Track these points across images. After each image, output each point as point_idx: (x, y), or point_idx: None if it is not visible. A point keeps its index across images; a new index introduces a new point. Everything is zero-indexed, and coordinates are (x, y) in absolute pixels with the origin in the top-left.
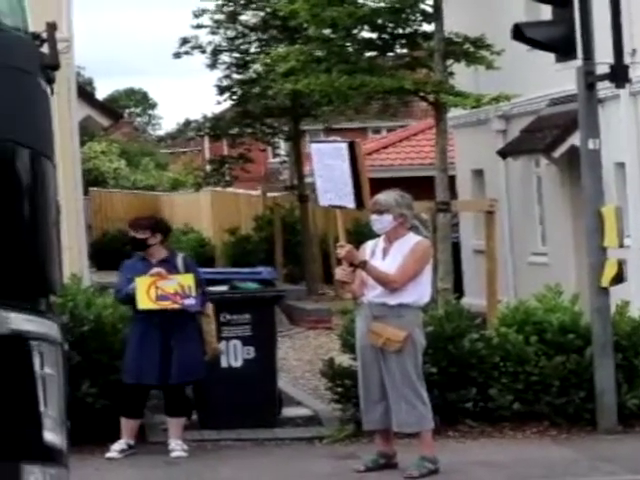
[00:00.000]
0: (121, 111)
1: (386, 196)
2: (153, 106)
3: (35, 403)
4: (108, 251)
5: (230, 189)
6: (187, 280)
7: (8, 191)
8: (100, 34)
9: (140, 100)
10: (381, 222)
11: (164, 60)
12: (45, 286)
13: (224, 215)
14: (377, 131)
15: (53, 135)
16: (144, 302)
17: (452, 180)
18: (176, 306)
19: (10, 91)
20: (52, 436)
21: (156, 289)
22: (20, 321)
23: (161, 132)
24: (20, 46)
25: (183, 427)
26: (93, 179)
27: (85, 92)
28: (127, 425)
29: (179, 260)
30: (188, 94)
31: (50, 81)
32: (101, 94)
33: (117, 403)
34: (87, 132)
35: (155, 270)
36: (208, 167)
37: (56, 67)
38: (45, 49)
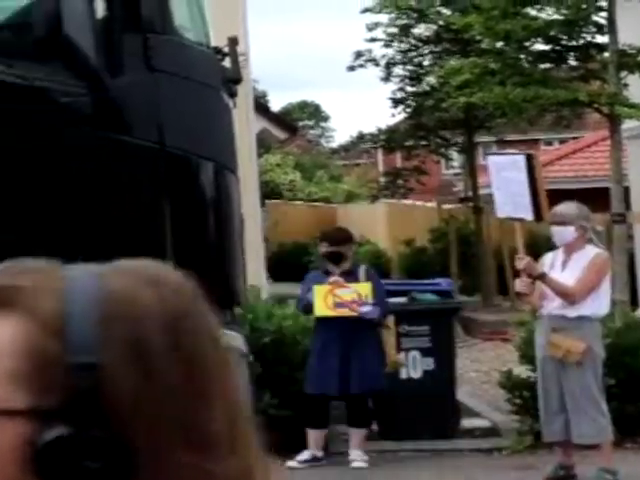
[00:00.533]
0: (295, 124)
1: (566, 208)
2: (326, 119)
3: None
4: (284, 263)
5: (405, 201)
6: (364, 288)
7: (193, 204)
8: (272, 47)
9: (313, 113)
10: (562, 234)
11: (336, 73)
12: (230, 298)
13: (399, 227)
14: (549, 143)
15: (236, 148)
16: (321, 309)
17: (626, 191)
18: (353, 314)
19: (194, 105)
20: None
21: (333, 297)
22: None
23: (334, 144)
24: (203, 61)
25: (364, 438)
26: (269, 191)
27: (261, 105)
28: (313, 436)
29: (361, 272)
30: (360, 106)
31: (232, 95)
32: (275, 107)
33: (300, 414)
34: (263, 145)
35: (333, 278)
36: (382, 179)
37: (238, 81)
38: (227, 63)
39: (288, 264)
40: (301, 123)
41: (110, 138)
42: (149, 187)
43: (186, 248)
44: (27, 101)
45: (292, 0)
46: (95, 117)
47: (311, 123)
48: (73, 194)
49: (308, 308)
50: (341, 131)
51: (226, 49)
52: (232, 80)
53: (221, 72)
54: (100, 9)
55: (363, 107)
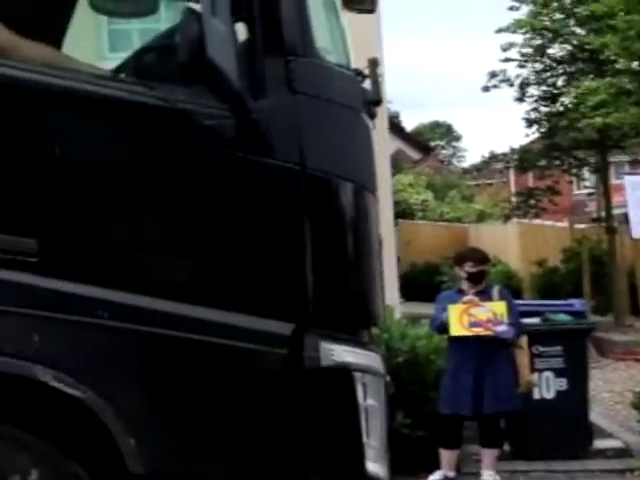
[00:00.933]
0: (428, 144)
1: None
2: (458, 138)
3: (358, 434)
4: (416, 283)
5: (537, 221)
6: (499, 308)
7: (334, 225)
8: (404, 66)
9: (445, 133)
10: None
11: (468, 92)
12: (368, 318)
13: (531, 247)
14: None
15: (375, 169)
16: (456, 329)
17: None
18: (488, 333)
19: (335, 127)
20: (374, 467)
21: (468, 316)
22: (344, 353)
23: (466, 164)
24: (344, 83)
25: (496, 458)
26: (401, 211)
27: (396, 126)
28: (446, 456)
29: (495, 291)
30: (492, 126)
31: (372, 116)
32: (407, 127)
33: (433, 434)
34: (395, 165)
35: (468, 297)
36: (514, 199)
37: (378, 102)
38: (367, 85)
39: (420, 284)
40: (433, 143)
41: (252, 160)
42: (290, 208)
43: (326, 269)
44: (169, 124)
45: (422, 19)
46: (237, 139)
47: (443, 143)
48: (215, 216)
49: (442, 327)
50: (473, 151)
51: (366, 71)
52: (372, 102)
53: (362, 94)
54: (242, 32)
55: (495, 127)
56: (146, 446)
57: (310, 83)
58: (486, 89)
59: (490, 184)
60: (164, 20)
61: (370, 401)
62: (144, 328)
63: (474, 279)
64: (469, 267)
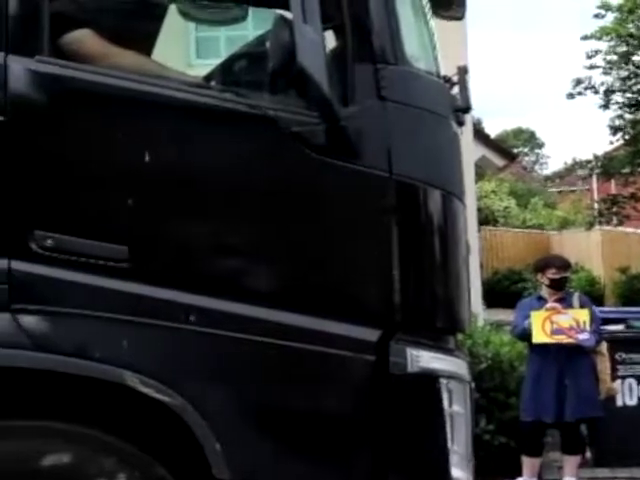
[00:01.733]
0: (512, 151)
1: None
2: (541, 145)
3: (444, 440)
4: (498, 289)
5: (620, 228)
6: (582, 315)
7: (422, 230)
8: (486, 73)
9: (528, 139)
10: None
11: (551, 99)
12: (454, 324)
13: (614, 254)
14: None
15: (462, 176)
16: (539, 336)
17: None
18: (571, 340)
19: (425, 134)
20: (459, 472)
21: (551, 323)
22: (431, 359)
23: (548, 171)
24: (433, 90)
25: (578, 465)
26: (484, 218)
27: (481, 133)
28: (528, 463)
29: (575, 298)
30: (575, 133)
31: (460, 123)
32: (490, 134)
33: (515, 441)
34: (479, 172)
35: (550, 304)
36: (597, 206)
37: (467, 110)
38: (455, 92)
39: (502, 290)
40: (516, 150)
41: (342, 166)
42: (379, 214)
43: (414, 275)
44: (259, 130)
45: (506, 24)
46: (327, 146)
47: (526, 150)
48: (305, 222)
49: (524, 334)
50: (556, 158)
51: (455, 78)
52: (461, 109)
53: (450, 101)
54: (331, 39)
55: (578, 134)
56: (232, 452)
57: (399, 90)
58: (571, 96)
59: (573, 191)
60: (251, 27)
61: (456, 407)
62: (232, 334)
63: (555, 286)
64: (551, 274)
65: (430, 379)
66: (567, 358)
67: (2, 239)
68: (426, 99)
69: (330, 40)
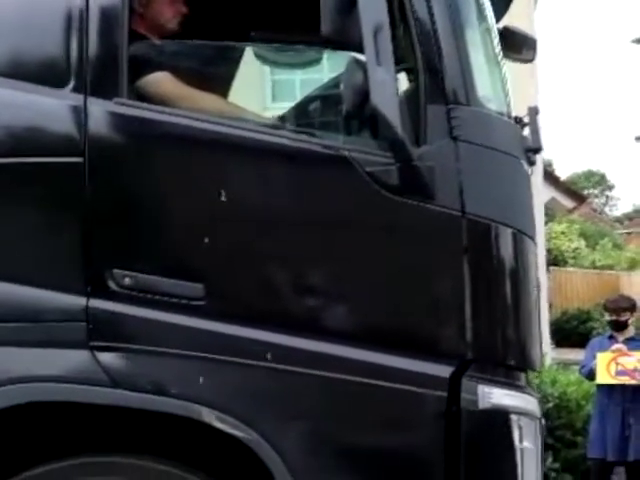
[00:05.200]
0: (582, 193)
1: None
2: (611, 187)
3: (515, 476)
4: (567, 329)
5: None
6: None
7: (494, 269)
8: (556, 114)
9: (598, 182)
10: None
11: (622, 141)
12: (525, 362)
13: None
14: None
15: (533, 216)
16: (603, 377)
17: None
18: (633, 382)
19: (496, 174)
20: None
21: (616, 365)
22: (502, 396)
23: (618, 213)
24: (505, 130)
25: None
26: (553, 258)
27: (551, 175)
28: None
29: None
30: None
31: (531, 164)
32: (561, 176)
33: (581, 478)
34: (548, 213)
35: (616, 346)
36: None
37: (538, 150)
38: (526, 132)
39: (570, 330)
40: (586, 192)
41: (415, 206)
42: (452, 253)
43: (486, 313)
44: (333, 170)
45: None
46: (400, 185)
47: (596, 192)
48: (377, 260)
49: (591, 374)
50: (625, 199)
51: (526, 118)
52: (532, 149)
53: (522, 141)
54: (404, 80)
55: None
56: None
57: (471, 130)
58: (639, 139)
59: None
60: (326, 70)
61: (526, 443)
62: (307, 370)
63: (614, 328)
64: (607, 316)
65: (501, 415)
66: (632, 398)
67: (81, 278)
68: (498, 139)
69: (403, 81)
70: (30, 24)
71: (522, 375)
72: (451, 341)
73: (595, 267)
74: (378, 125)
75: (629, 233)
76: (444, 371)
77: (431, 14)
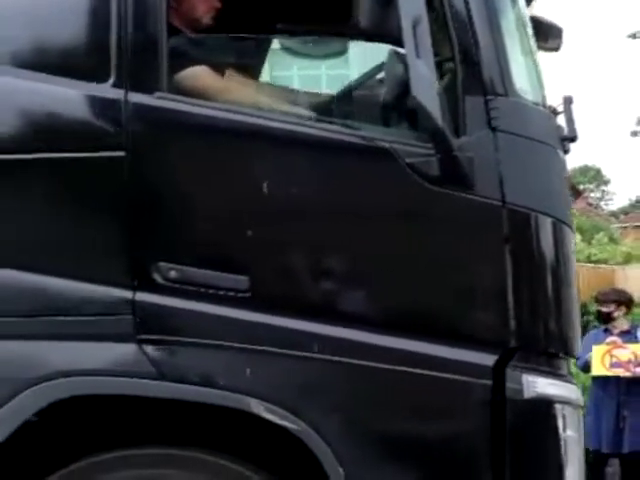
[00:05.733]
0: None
1: None
2: (606, 182)
3: (559, 464)
4: None
5: None
6: None
7: (535, 257)
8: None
9: (594, 176)
10: None
11: (618, 136)
12: (567, 349)
13: None
14: None
15: (570, 204)
16: (597, 369)
17: None
18: (628, 374)
19: (534, 163)
20: None
21: (610, 357)
22: (546, 385)
23: (614, 207)
24: (541, 120)
25: None
26: None
27: None
28: None
29: (639, 332)
30: None
31: (566, 152)
32: None
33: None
34: None
35: (610, 339)
36: None
37: (574, 139)
38: (561, 122)
39: None
40: (582, 186)
41: (455, 197)
42: (493, 242)
43: (528, 301)
44: (374, 163)
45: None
46: (440, 176)
47: (592, 186)
48: (420, 251)
49: (586, 366)
50: (621, 194)
51: (559, 108)
52: (568, 138)
53: (557, 131)
54: (443, 71)
55: None
56: (356, 477)
57: (510, 121)
58: (635, 134)
59: (637, 226)
60: (352, 66)
61: (569, 432)
62: (353, 360)
63: (603, 320)
64: (596, 307)
65: (546, 404)
66: (626, 390)
67: (127, 271)
68: (535, 129)
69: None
70: (70, 20)
71: (564, 363)
72: (494, 329)
73: (590, 261)
74: (418, 117)
75: (625, 227)
76: (488, 360)
77: (467, 5)
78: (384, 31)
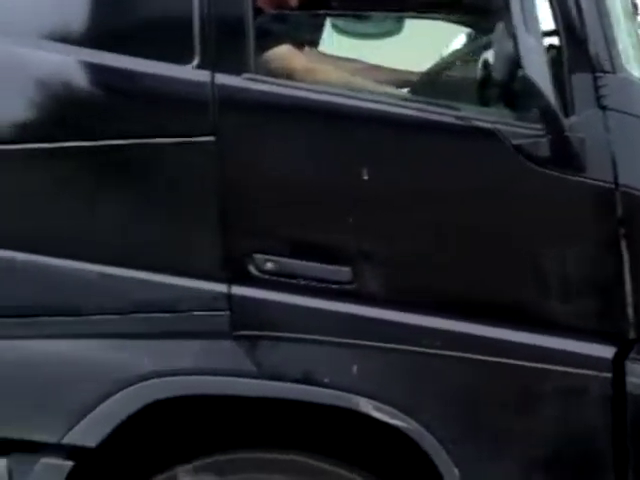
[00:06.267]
0: None
1: None
2: None
3: None
4: None
5: None
6: None
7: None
8: None
9: None
10: None
11: None
12: None
13: None
14: None
15: None
16: None
17: None
18: None
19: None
20: None
21: None
22: None
23: None
24: None
25: None
26: None
27: None
28: None
29: None
30: None
31: None
32: None
33: None
34: None
35: None
36: None
37: None
38: None
39: None
40: None
41: (566, 178)
42: (606, 227)
43: None
44: (478, 144)
45: None
46: (550, 158)
47: None
48: (529, 236)
49: None
50: None
51: None
52: None
53: None
54: (550, 50)
55: None
56: (470, 477)
57: (618, 99)
58: None
59: None
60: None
61: None
62: (466, 355)
63: None
64: None
65: None
66: None
67: (220, 264)
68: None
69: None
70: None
71: None
72: (612, 320)
73: None
74: (529, 95)
75: None
76: (607, 352)
77: None
78: (491, 5)
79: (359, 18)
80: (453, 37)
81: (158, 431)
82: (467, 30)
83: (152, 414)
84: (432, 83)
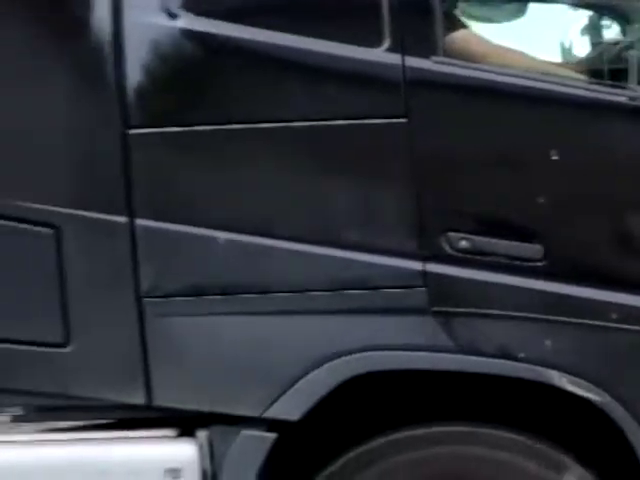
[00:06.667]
0: None
1: None
2: None
3: None
4: None
5: None
6: None
7: None
8: None
9: None
10: None
11: None
12: None
13: None
14: None
15: None
16: None
17: None
18: None
19: None
20: None
21: None
22: None
23: None
24: None
25: None
26: None
27: None
28: None
29: None
30: None
31: None
32: None
33: None
34: None
35: None
36: None
37: None
38: None
39: None
40: None
41: None
42: None
43: None
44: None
45: None
46: None
47: None
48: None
49: None
50: None
51: None
52: None
53: None
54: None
55: None
56: None
57: None
58: None
59: None
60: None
61: None
62: None
63: None
64: None
65: None
66: None
67: (416, 242)
68: None
69: None
70: None
71: None
72: None
73: None
74: None
75: None
76: None
77: None
78: None
79: (484, 2)
80: (574, 22)
81: (349, 406)
82: (589, 13)
83: (342, 391)
84: (615, 64)
